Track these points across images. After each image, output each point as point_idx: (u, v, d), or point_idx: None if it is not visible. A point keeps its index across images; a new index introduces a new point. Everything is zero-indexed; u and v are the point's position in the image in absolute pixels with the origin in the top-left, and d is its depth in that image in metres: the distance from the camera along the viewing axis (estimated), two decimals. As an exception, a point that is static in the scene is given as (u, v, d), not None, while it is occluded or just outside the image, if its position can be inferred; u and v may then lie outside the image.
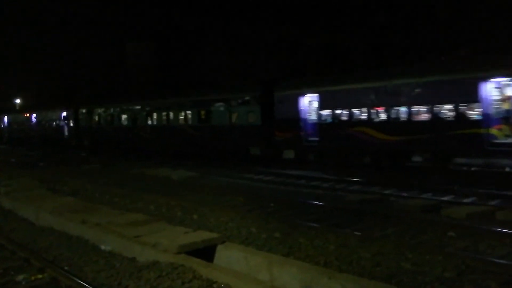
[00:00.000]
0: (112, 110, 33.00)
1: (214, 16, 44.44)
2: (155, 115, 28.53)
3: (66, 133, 38.45)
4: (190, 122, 25.66)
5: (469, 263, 7.26)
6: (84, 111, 35.97)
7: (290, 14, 40.21)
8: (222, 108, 23.47)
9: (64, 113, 38.75)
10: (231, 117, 22.88)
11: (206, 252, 7.55)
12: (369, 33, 35.46)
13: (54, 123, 40.36)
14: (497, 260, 7.40)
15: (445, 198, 12.41)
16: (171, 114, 27.03)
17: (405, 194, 13.23)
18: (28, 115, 45.49)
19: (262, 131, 21.19)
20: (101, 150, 32.63)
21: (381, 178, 15.62)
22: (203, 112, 24.75)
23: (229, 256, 7.51)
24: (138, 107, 30.42)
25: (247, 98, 22.22)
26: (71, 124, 37.70)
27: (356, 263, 7.56)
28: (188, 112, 25.71)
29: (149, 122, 29.04)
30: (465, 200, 12.18)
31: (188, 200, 13.20)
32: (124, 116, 31.51)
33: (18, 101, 72.91)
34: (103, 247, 8.39)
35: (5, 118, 50.66)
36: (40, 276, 7.15)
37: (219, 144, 23.59)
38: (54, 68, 60.14)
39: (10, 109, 54.46)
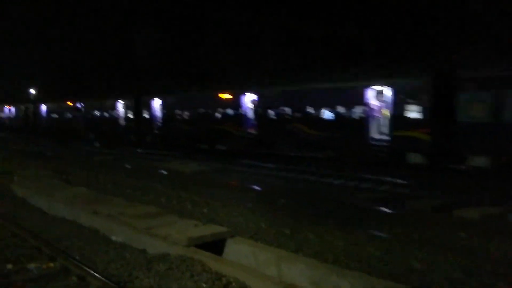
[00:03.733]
0: None
1: (218, 5, 44.20)
2: None
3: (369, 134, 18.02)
4: None
5: (478, 263, 7.22)
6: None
7: (294, 5, 39.90)
8: None
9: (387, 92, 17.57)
10: None
11: (215, 246, 7.60)
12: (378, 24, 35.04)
13: (338, 113, 19.36)
14: (507, 262, 7.33)
15: (457, 198, 12.30)
16: None
17: (416, 193, 13.14)
18: (230, 96, 24.11)
19: None
20: None
21: (392, 176, 15.53)
22: None
23: (238, 250, 7.55)
24: None
25: None
26: (417, 115, 16.61)
27: (365, 261, 7.54)
28: None
29: None
30: (478, 201, 12.05)
31: (199, 193, 13.26)
32: None
33: (32, 91, 73.60)
34: (114, 238, 8.48)
35: (154, 103, 29.54)
36: (51, 264, 7.25)
37: None
38: (63, 58, 60.49)
39: (177, 85, 31.88)
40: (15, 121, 51.96)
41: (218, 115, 24.94)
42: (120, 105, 32.91)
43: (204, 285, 6.17)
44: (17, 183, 13.98)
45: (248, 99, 23.23)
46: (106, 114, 34.65)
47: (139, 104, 31.14)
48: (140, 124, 31.10)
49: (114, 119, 33.38)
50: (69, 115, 39.88)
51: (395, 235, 8.96)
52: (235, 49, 41.09)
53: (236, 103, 23.79)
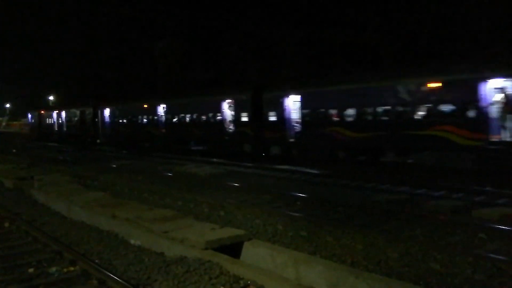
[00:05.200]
0: None
1: (240, 14, 44.49)
2: None
3: None
4: None
5: (500, 266, 7.10)
6: None
7: (313, 13, 40.01)
8: None
9: None
10: None
11: (232, 249, 7.62)
12: (396, 30, 34.90)
13: None
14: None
15: (476, 199, 12.14)
16: None
17: (434, 195, 13.00)
18: (444, 85, 16.03)
19: None
20: None
21: (410, 178, 15.39)
22: None
23: (256, 253, 7.55)
24: None
25: None
26: None
27: (384, 263, 7.50)
28: None
29: None
30: (497, 202, 11.86)
31: (215, 196, 13.30)
32: None
33: (51, 97, 74.90)
34: (132, 241, 8.56)
35: (288, 101, 21.57)
36: (72, 268, 7.34)
37: None
38: (84, 67, 61.50)
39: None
40: (68, 128, 43.54)
41: (419, 114, 16.63)
42: (225, 105, 24.96)
43: (222, 288, 6.19)
44: (37, 188, 14.19)
45: (493, 87, 14.85)
46: (202, 117, 26.60)
47: (259, 103, 22.80)
48: (263, 129, 22.59)
49: (214, 123, 25.65)
50: (144, 119, 32.36)
51: (414, 237, 8.88)
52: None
53: (463, 95, 15.52)
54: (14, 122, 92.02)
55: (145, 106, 32.30)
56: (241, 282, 6.31)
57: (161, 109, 30.23)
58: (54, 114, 46.66)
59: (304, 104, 20.84)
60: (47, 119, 48.60)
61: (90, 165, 22.79)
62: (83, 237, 9.14)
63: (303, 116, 20.87)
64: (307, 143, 20.80)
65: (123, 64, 56.90)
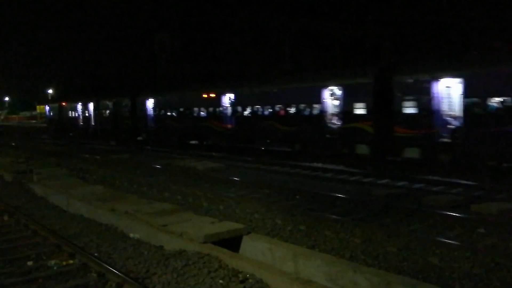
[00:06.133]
0: None
1: (239, 7, 44.17)
2: None
3: None
4: None
5: (498, 260, 7.12)
6: None
7: (315, 7, 39.83)
8: None
9: None
10: None
11: (231, 243, 7.63)
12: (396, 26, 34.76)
13: None
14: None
15: (475, 194, 12.15)
16: None
17: (433, 189, 13.00)
18: None
19: None
20: None
21: (409, 172, 15.40)
22: None
23: (255, 247, 7.56)
24: None
25: None
26: None
27: (382, 257, 7.51)
28: None
29: None
30: (496, 197, 11.87)
31: (214, 190, 13.30)
32: None
33: (50, 91, 74.76)
34: (131, 235, 8.57)
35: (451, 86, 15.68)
36: (71, 261, 7.35)
37: None
38: (83, 60, 61.26)
39: None
40: (97, 122, 37.21)
41: None
42: (326, 93, 19.47)
43: (221, 282, 6.20)
44: (36, 182, 14.18)
45: None
46: (290, 110, 20.97)
47: (386, 89, 17.21)
48: (391, 125, 16.88)
49: (309, 117, 20.05)
50: (201, 112, 26.39)
51: (413, 232, 8.89)
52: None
53: None
54: (13, 116, 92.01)
55: (204, 95, 26.18)
56: (240, 275, 6.33)
57: (226, 99, 24.59)
58: (79, 106, 40.20)
59: (470, 90, 14.96)
60: (70, 111, 42.12)
61: (88, 158, 22.76)
62: (82, 231, 9.15)
63: (467, 106, 15.08)
64: (475, 145, 14.90)
65: (121, 57, 56.72)
